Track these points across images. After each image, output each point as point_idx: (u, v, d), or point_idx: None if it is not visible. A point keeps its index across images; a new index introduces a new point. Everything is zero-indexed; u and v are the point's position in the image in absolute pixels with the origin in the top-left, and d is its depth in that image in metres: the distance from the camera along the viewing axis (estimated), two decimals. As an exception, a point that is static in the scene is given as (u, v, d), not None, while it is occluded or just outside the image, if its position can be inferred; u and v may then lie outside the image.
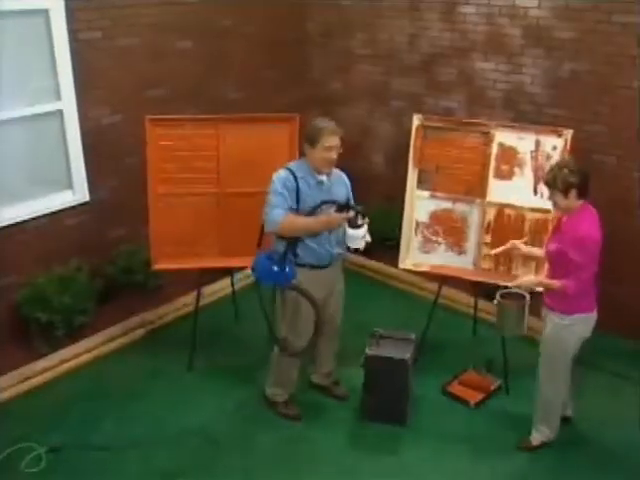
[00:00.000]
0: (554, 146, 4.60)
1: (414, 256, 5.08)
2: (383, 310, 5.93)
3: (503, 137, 4.75)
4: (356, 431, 4.60)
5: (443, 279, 5.08)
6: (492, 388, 4.90)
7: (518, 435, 4.46)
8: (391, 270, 6.17)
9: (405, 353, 4.49)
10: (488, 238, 4.86)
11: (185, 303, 5.75)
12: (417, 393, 4.80)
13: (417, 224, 5.04)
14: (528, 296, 3.92)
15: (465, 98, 6.00)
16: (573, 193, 3.75)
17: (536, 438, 4.35)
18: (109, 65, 5.39)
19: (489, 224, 4.86)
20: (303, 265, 4.19)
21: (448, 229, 4.98)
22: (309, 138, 4.07)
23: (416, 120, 4.92)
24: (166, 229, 4.89)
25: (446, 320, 5.55)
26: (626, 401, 4.79)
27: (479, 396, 4.83)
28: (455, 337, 5.56)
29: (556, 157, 4.57)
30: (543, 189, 4.57)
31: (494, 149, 4.77)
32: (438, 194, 4.98)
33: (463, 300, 5.82)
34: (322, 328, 4.31)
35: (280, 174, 4.09)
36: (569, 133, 4.55)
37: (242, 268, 5.66)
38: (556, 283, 3.85)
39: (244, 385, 4.98)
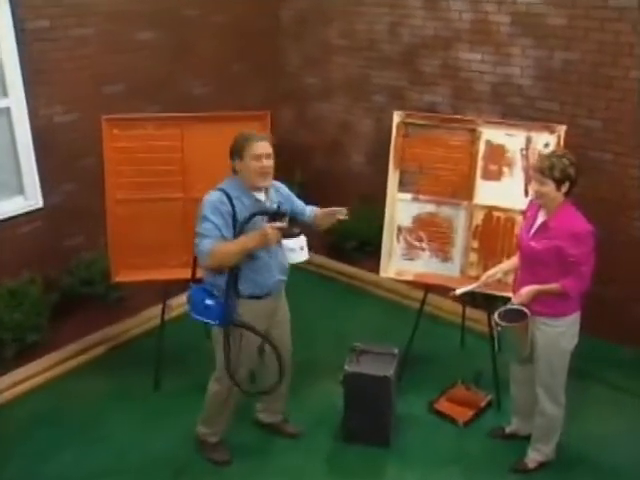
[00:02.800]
0: (546, 143, 4.52)
1: (397, 264, 5.01)
2: (363, 321, 5.89)
3: (491, 134, 4.68)
4: (336, 454, 4.52)
5: (428, 286, 5.02)
6: (482, 404, 4.84)
7: (512, 455, 4.39)
8: (372, 277, 6.11)
9: (387, 369, 4.41)
10: (476, 243, 4.81)
11: (150, 317, 5.65)
12: (401, 412, 4.73)
13: (399, 229, 4.96)
14: (529, 312, 3.81)
15: (450, 92, 5.97)
16: (566, 186, 3.71)
17: (533, 460, 4.29)
18: (61, 58, 5.27)
19: (477, 228, 4.79)
20: (241, 296, 3.93)
21: (433, 234, 4.91)
22: (235, 151, 3.83)
23: (397, 117, 4.84)
24: (127, 238, 4.79)
25: (432, 330, 5.49)
26: (629, 416, 4.75)
27: (469, 413, 4.76)
28: (442, 349, 5.51)
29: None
30: (534, 190, 4.53)
31: (481, 147, 4.70)
32: (421, 197, 4.89)
33: (450, 308, 5.76)
34: (284, 365, 4.12)
35: (211, 197, 3.79)
36: (562, 129, 4.48)
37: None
38: (556, 286, 3.79)
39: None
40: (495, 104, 5.67)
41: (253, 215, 3.75)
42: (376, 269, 5.13)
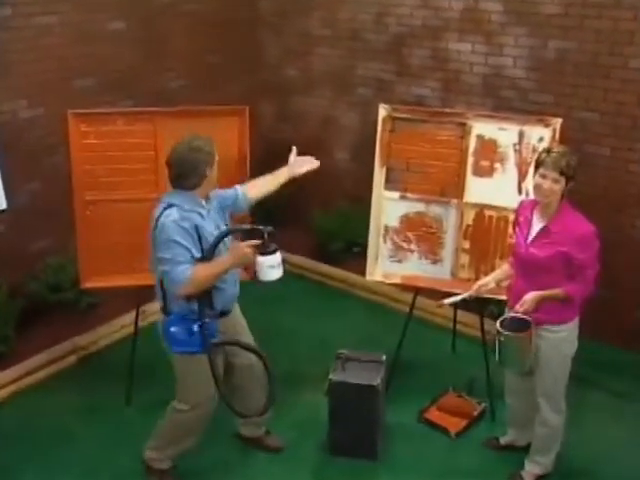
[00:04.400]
0: (541, 137, 4.48)
1: (384, 266, 4.97)
2: (349, 326, 5.85)
3: (482, 128, 4.63)
4: (321, 468, 4.48)
5: (418, 289, 4.98)
6: (475, 413, 4.81)
7: (507, 468, 4.36)
8: (358, 279, 6.05)
9: (375, 378, 4.38)
10: (467, 244, 4.77)
11: (123, 324, 5.59)
12: (390, 422, 4.70)
13: (386, 229, 4.92)
14: (533, 321, 3.75)
15: (439, 84, 5.95)
16: (571, 184, 3.69)
17: (531, 473, 4.26)
18: (24, 49, 5.20)
19: (468, 228, 4.76)
20: (216, 313, 3.86)
21: (421, 235, 4.86)
22: (210, 159, 3.71)
23: (382, 110, 4.79)
24: (97, 241, 4.70)
25: (421, 335, 5.45)
26: (629, 423, 4.74)
27: (461, 423, 4.74)
28: (432, 355, 5.48)
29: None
30: (528, 187, 4.51)
31: (472, 142, 4.65)
32: (409, 195, 4.85)
33: (440, 312, 5.65)
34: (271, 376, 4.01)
35: (172, 216, 3.60)
36: (557, 122, 4.44)
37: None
38: (560, 291, 3.75)
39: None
40: (486, 97, 5.65)
41: (229, 232, 3.73)
42: (363, 271, 5.09)
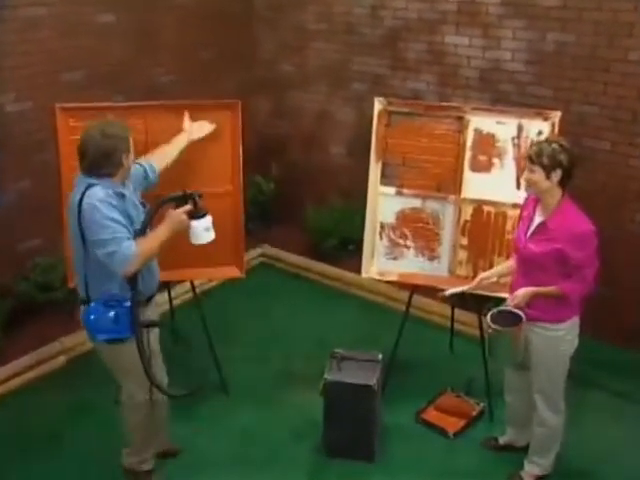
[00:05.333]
0: (539, 131, 4.45)
1: (379, 263, 4.94)
2: (345, 325, 5.83)
3: (480, 122, 4.60)
4: (317, 470, 4.45)
5: (414, 287, 4.95)
6: (473, 414, 4.81)
7: (506, 468, 4.35)
8: (354, 277, 6.04)
9: (371, 377, 4.36)
10: (465, 240, 4.74)
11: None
12: (387, 423, 4.69)
13: (382, 226, 4.89)
14: (524, 315, 3.74)
15: (435, 79, 5.94)
16: (557, 174, 3.64)
17: (530, 473, 4.24)
18: (12, 41, 5.15)
19: (465, 224, 4.73)
20: (141, 298, 3.80)
21: (418, 231, 4.84)
22: (126, 145, 3.65)
23: (378, 104, 4.76)
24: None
25: (419, 334, 5.43)
26: (629, 423, 4.72)
27: (459, 423, 4.73)
28: (429, 354, 5.46)
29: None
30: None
31: (469, 137, 4.63)
32: (405, 191, 4.82)
33: (438, 311, 5.73)
34: None
35: (97, 195, 3.50)
36: (557, 115, 4.42)
37: (181, 282, 5.53)
38: (555, 288, 3.73)
39: (183, 420, 4.75)
40: (484, 91, 5.62)
41: (162, 203, 3.72)
42: (358, 269, 5.06)
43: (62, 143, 4.47)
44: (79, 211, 3.51)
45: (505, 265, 4.16)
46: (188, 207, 3.66)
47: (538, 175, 3.65)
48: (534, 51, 5.29)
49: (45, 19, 5.29)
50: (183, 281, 5.41)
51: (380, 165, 4.81)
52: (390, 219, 4.85)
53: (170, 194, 3.74)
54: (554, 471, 4.23)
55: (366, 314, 5.98)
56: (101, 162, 3.58)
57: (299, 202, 6.81)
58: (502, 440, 4.49)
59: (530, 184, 3.75)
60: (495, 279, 4.11)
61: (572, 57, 5.12)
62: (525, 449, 4.34)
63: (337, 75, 6.49)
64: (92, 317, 3.66)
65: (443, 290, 4.29)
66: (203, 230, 3.72)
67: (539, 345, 3.88)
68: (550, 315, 3.81)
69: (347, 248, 6.32)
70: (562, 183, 3.68)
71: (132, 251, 3.48)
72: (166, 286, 5.31)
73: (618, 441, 4.56)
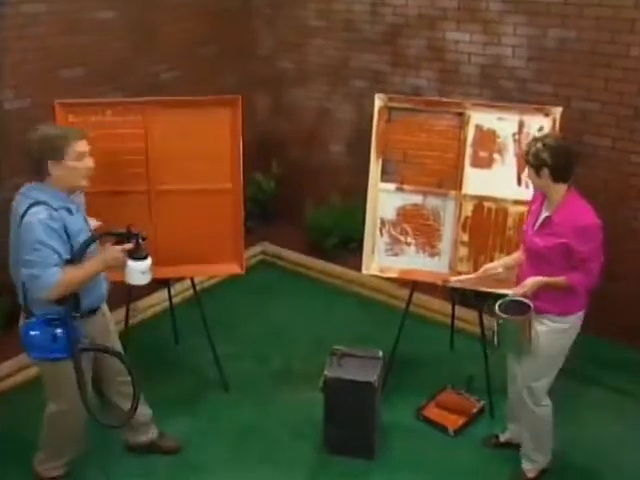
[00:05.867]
0: (540, 127, 4.44)
1: (380, 260, 4.92)
2: (345, 322, 5.83)
3: (480, 118, 4.59)
4: (316, 468, 4.44)
5: (415, 284, 4.94)
6: (474, 411, 4.80)
7: (507, 466, 4.35)
8: (354, 275, 6.04)
9: (371, 374, 4.35)
10: (465, 237, 4.73)
11: (114, 320, 5.43)
12: (387, 420, 4.67)
13: (382, 222, 4.88)
14: (532, 305, 3.73)
15: (436, 75, 5.92)
16: (545, 172, 3.67)
17: (531, 469, 4.24)
18: (11, 38, 5.13)
19: (466, 220, 4.72)
20: (82, 313, 3.68)
21: (419, 227, 4.83)
22: (50, 151, 3.49)
23: (378, 100, 4.75)
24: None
25: (419, 332, 5.44)
26: (630, 421, 4.71)
27: (459, 421, 4.73)
28: (430, 352, 5.46)
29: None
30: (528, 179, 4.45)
31: (470, 133, 4.62)
32: (406, 187, 4.80)
33: (438, 308, 5.73)
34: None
35: (38, 215, 3.41)
36: (558, 111, 4.42)
37: (180, 279, 5.53)
38: (562, 279, 3.74)
39: (185, 418, 4.78)
40: (484, 87, 5.62)
41: (102, 236, 3.64)
42: (358, 267, 5.05)
43: (61, 139, 4.48)
44: (19, 224, 3.47)
45: (511, 257, 4.17)
46: (129, 246, 3.56)
47: (530, 174, 3.74)
48: (535, 47, 5.28)
49: (44, 15, 5.27)
50: (183, 278, 5.41)
51: (380, 161, 4.79)
52: (391, 215, 4.84)
53: (113, 229, 3.67)
54: (554, 467, 4.24)
55: (366, 312, 5.97)
56: (32, 166, 3.55)
57: (299, 200, 6.80)
58: (503, 437, 4.48)
59: (530, 180, 3.84)
60: (501, 270, 4.10)
61: (573, 53, 5.11)
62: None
63: (337, 72, 6.48)
64: (32, 333, 3.57)
65: (447, 281, 4.35)
66: (139, 272, 3.61)
67: (542, 337, 3.87)
68: (558, 307, 3.82)
69: (347, 246, 6.31)
70: (558, 179, 3.69)
71: (55, 279, 3.42)
72: (166, 283, 5.32)
73: (618, 438, 4.56)
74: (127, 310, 4.96)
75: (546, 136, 3.84)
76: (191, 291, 5.12)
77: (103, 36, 5.64)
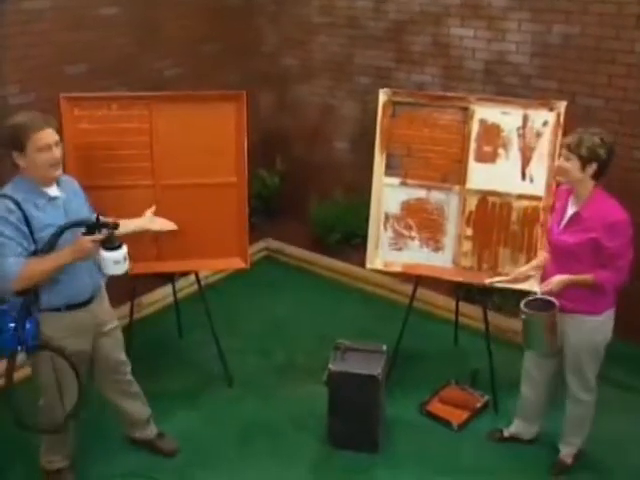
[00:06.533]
0: (545, 121, 4.44)
1: (384, 254, 4.92)
2: (349, 318, 5.83)
3: (485, 113, 4.59)
4: (320, 461, 4.44)
5: (418, 279, 4.94)
6: (478, 406, 4.80)
7: (510, 460, 4.36)
8: (358, 271, 6.09)
9: (375, 368, 4.35)
10: (469, 231, 4.72)
11: (119, 315, 5.40)
12: (390, 414, 4.68)
13: (386, 217, 4.88)
14: (557, 302, 3.73)
15: (440, 71, 5.92)
16: (593, 168, 3.64)
17: (569, 454, 4.28)
18: (15, 33, 5.11)
19: (470, 215, 4.71)
20: (55, 309, 3.61)
21: (423, 222, 4.82)
22: (12, 143, 3.45)
23: (383, 95, 4.75)
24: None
25: (423, 327, 5.46)
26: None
27: (463, 415, 4.73)
28: (433, 347, 5.46)
29: (547, 134, 4.44)
30: (532, 173, 4.51)
31: (474, 127, 4.61)
32: (410, 181, 4.80)
33: (442, 303, 5.73)
34: (83, 393, 3.81)
35: None
36: (562, 105, 4.41)
37: (186, 273, 5.52)
38: (590, 277, 3.73)
39: (189, 411, 4.79)
40: (488, 83, 5.61)
41: (67, 227, 3.49)
42: (362, 263, 5.06)
43: (66, 133, 4.46)
44: None
45: (539, 259, 4.12)
46: (99, 236, 3.45)
47: (572, 165, 3.65)
48: (539, 43, 5.28)
49: (48, 11, 5.25)
50: (187, 273, 5.42)
51: (385, 156, 4.79)
52: (395, 210, 4.84)
53: (80, 219, 3.56)
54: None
55: (370, 308, 5.97)
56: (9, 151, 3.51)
57: (303, 196, 6.81)
58: (507, 432, 4.49)
59: (561, 172, 3.73)
60: (533, 272, 4.11)
61: (577, 49, 5.10)
62: (531, 442, 4.40)
63: (341, 69, 6.48)
64: None
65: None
66: (112, 262, 3.50)
67: (574, 336, 3.89)
68: (586, 306, 3.81)
69: (351, 242, 6.32)
70: (599, 175, 3.68)
71: (15, 270, 3.36)
72: (170, 278, 5.33)
73: (629, 436, 4.55)
74: (131, 305, 4.96)
75: (600, 131, 3.74)
76: (195, 287, 5.13)
77: (107, 32, 5.63)
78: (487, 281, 4.28)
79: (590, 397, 4.08)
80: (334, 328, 5.44)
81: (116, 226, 3.49)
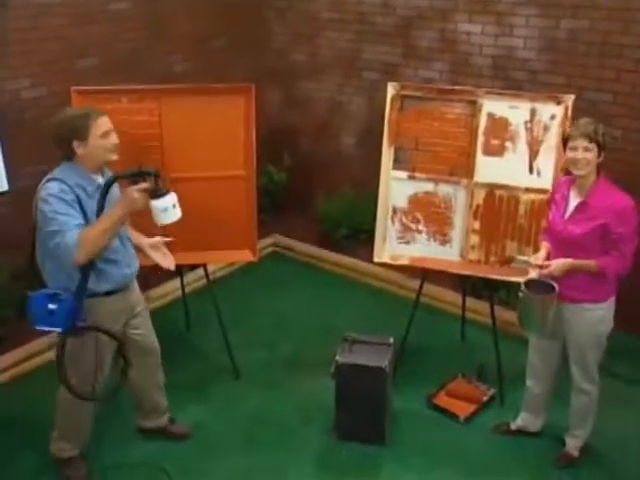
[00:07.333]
0: (552, 115, 4.44)
1: (391, 247, 4.92)
2: (356, 313, 5.84)
3: (493, 106, 4.58)
4: (327, 453, 4.45)
5: (425, 274, 4.94)
6: (484, 399, 4.81)
7: (516, 452, 4.37)
8: (365, 267, 6.10)
9: (382, 360, 4.35)
10: (477, 225, 4.72)
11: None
12: (397, 407, 4.69)
13: (394, 210, 4.88)
14: (557, 287, 3.74)
15: (447, 67, 5.94)
16: (602, 155, 3.69)
17: (575, 446, 4.30)
18: (26, 27, 5.15)
19: (478, 208, 4.70)
20: (96, 294, 3.70)
21: (430, 215, 4.82)
22: (74, 132, 3.56)
23: (391, 89, 4.75)
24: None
25: (430, 322, 5.47)
26: None
27: (470, 408, 4.73)
28: (441, 342, 5.47)
29: (555, 128, 4.43)
30: (539, 166, 4.51)
31: (482, 121, 4.61)
32: (418, 175, 4.80)
33: (449, 298, 5.74)
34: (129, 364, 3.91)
35: (50, 189, 3.50)
36: (570, 99, 4.40)
37: (194, 266, 5.53)
38: (593, 263, 3.74)
39: (197, 404, 4.82)
40: (496, 79, 5.62)
41: (113, 181, 3.54)
42: (369, 258, 5.08)
43: (77, 125, 4.53)
44: (36, 201, 3.55)
45: (545, 250, 4.04)
46: (144, 185, 3.44)
47: (594, 154, 3.67)
48: (547, 38, 5.28)
49: (59, 6, 5.29)
50: (196, 266, 5.44)
51: (392, 150, 4.79)
52: (402, 203, 4.84)
53: (124, 171, 3.56)
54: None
55: (377, 303, 5.98)
56: (55, 145, 3.61)
57: (310, 192, 6.84)
58: (514, 425, 4.50)
59: (585, 164, 3.69)
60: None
61: (585, 44, 5.10)
62: (537, 434, 4.41)
63: (349, 64, 6.49)
64: (35, 305, 3.60)
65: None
66: (162, 210, 3.45)
67: (578, 326, 3.92)
68: (589, 295, 3.83)
69: (358, 237, 6.34)
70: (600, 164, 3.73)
71: (74, 240, 3.42)
72: (179, 271, 5.34)
73: (633, 429, 4.54)
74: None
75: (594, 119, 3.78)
76: (202, 281, 5.16)
77: (116, 27, 5.67)
78: (544, 272, 3.96)
79: (593, 388, 4.10)
80: (341, 322, 5.44)
81: (158, 173, 3.48)
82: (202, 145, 4.66)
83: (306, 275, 6.46)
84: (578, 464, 4.26)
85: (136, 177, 3.48)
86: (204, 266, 5.03)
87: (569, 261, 3.74)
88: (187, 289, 5.57)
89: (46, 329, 3.66)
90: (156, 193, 3.43)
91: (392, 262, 5.00)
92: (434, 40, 5.91)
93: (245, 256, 4.92)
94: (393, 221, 4.89)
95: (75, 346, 3.75)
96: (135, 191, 3.44)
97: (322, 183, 6.82)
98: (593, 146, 3.65)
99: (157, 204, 3.43)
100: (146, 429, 4.49)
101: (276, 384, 5.01)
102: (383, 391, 4.37)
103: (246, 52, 6.70)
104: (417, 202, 4.82)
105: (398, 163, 4.82)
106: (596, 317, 3.87)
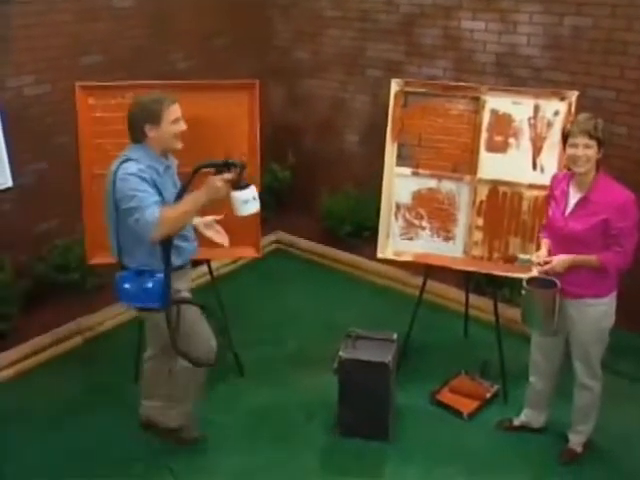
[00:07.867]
0: (556, 111, 4.44)
1: (395, 244, 4.93)
2: (359, 310, 5.83)
3: (496, 103, 4.59)
4: (330, 449, 4.46)
5: (429, 270, 4.95)
6: (488, 395, 4.81)
7: (519, 448, 4.36)
8: (369, 264, 6.13)
9: (386, 355, 4.35)
10: (480, 221, 4.73)
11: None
12: (401, 403, 4.68)
13: (397, 207, 4.88)
14: (559, 283, 3.75)
15: (451, 64, 5.94)
16: (602, 150, 3.69)
17: (578, 442, 4.30)
18: (30, 24, 5.18)
19: (481, 204, 4.72)
20: (174, 269, 3.86)
21: (433, 211, 4.83)
22: (149, 117, 3.71)
23: (395, 85, 4.77)
24: (103, 217, 4.62)
25: (433, 319, 5.47)
26: None
27: (473, 405, 4.73)
28: (444, 338, 5.46)
29: (558, 124, 4.42)
30: (543, 162, 4.51)
31: (486, 117, 4.62)
32: (421, 171, 4.81)
33: (452, 295, 5.74)
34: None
35: (128, 169, 3.64)
36: (573, 95, 4.40)
37: (198, 262, 5.49)
38: (594, 258, 3.74)
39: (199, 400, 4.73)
40: (499, 76, 5.61)
41: (199, 168, 3.67)
42: (373, 255, 5.08)
43: (81, 121, 4.54)
44: (113, 181, 3.65)
45: (546, 247, 4.03)
46: (228, 175, 3.57)
47: (594, 150, 3.66)
48: (550, 35, 5.28)
49: (63, 3, 5.31)
50: (199, 262, 5.45)
51: (396, 146, 4.81)
52: (406, 199, 4.85)
53: (211, 160, 3.69)
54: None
55: (380, 300, 5.98)
56: (129, 128, 3.77)
57: (314, 189, 6.84)
58: (517, 421, 4.50)
59: (585, 161, 3.68)
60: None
61: (589, 41, 5.10)
62: (540, 430, 4.41)
63: (352, 62, 6.50)
64: (124, 285, 3.77)
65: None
66: (242, 202, 3.57)
67: (581, 322, 3.92)
68: (591, 290, 3.83)
69: (361, 235, 6.35)
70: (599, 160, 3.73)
71: (154, 217, 3.54)
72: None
73: (636, 426, 4.54)
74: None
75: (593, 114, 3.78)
76: (206, 278, 5.15)
77: (120, 24, 5.69)
78: (545, 268, 3.94)
79: (596, 384, 4.10)
80: (345, 319, 5.41)
81: (244, 166, 3.59)
82: (206, 140, 4.59)
83: (309, 272, 6.47)
84: (581, 460, 4.26)
85: (222, 167, 3.59)
86: (208, 262, 5.03)
87: (570, 257, 3.74)
88: (191, 285, 5.56)
89: (142, 306, 3.85)
90: (239, 184, 3.55)
91: (395, 258, 5.00)
92: (437, 37, 5.91)
93: (249, 252, 4.93)
94: (397, 217, 4.90)
95: (150, 319, 3.98)
96: (219, 180, 3.57)
97: (326, 180, 6.82)
98: (593, 143, 3.65)
99: (239, 195, 3.55)
100: (151, 424, 4.45)
101: (280, 380, 5.01)
102: (386, 387, 4.37)
103: (249, 50, 6.71)
104: (420, 198, 4.83)
105: (402, 159, 4.83)
106: (599, 312, 3.88)
